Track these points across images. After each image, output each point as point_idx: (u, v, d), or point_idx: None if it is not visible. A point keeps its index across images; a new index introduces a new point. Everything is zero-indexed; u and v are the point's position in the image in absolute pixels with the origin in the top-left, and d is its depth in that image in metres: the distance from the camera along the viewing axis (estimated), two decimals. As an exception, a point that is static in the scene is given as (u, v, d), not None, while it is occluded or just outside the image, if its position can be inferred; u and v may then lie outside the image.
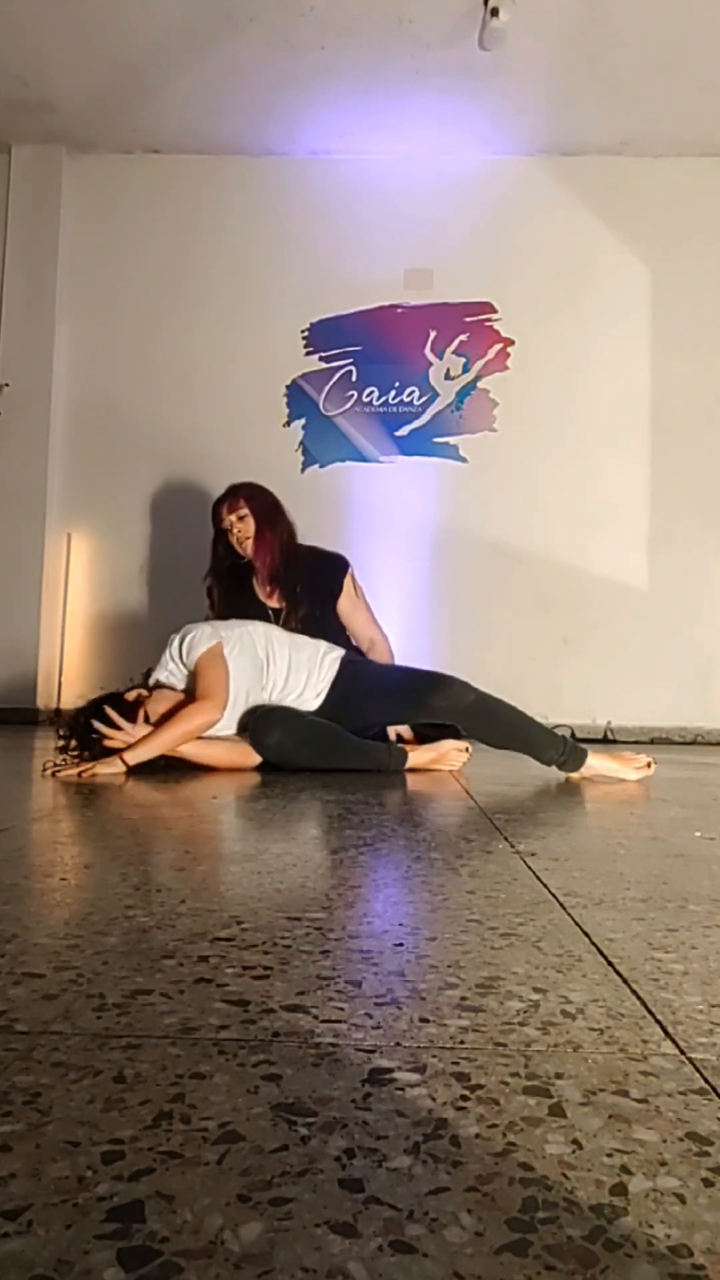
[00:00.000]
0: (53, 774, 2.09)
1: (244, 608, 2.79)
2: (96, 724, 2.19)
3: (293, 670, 2.42)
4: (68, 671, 4.22)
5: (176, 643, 2.37)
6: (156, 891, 1.01)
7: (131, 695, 2.32)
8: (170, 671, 2.36)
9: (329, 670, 2.45)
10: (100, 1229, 0.39)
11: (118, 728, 2.19)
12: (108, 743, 2.18)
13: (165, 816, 1.63)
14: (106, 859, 1.22)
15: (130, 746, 2.17)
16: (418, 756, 2.40)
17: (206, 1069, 0.55)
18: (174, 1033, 0.61)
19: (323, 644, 2.53)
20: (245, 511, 2.79)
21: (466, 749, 2.45)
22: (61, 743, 2.25)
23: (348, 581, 2.86)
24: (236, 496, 2.83)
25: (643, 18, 3.42)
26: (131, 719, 2.23)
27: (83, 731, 2.22)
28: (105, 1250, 0.38)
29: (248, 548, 2.79)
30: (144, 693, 2.35)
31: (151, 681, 2.39)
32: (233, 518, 2.80)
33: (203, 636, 2.34)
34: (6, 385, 4.22)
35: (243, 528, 2.79)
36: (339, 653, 2.52)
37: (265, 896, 1.00)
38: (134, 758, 2.15)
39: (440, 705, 2.36)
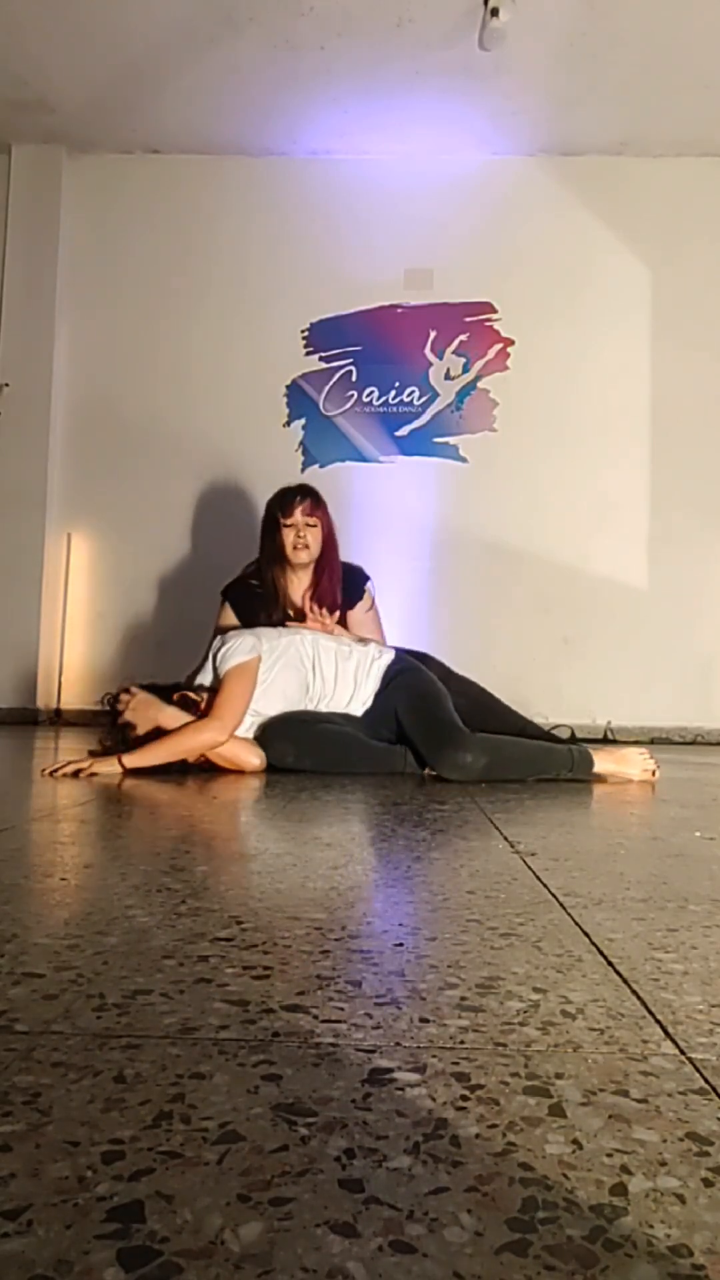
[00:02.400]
0: (51, 773, 2.09)
1: (267, 607, 2.68)
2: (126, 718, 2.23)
3: (339, 680, 2.41)
4: (68, 671, 4.22)
5: (217, 646, 2.35)
6: (156, 891, 1.01)
7: (180, 694, 2.32)
8: (210, 676, 2.38)
9: (375, 679, 2.43)
10: (100, 1229, 0.39)
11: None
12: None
13: (165, 816, 1.63)
14: (106, 859, 1.22)
15: (131, 752, 2.17)
16: None
17: (206, 1069, 0.55)
18: (174, 1033, 0.61)
19: (371, 649, 2.49)
20: (316, 522, 2.67)
21: None
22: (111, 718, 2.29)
23: (366, 593, 2.79)
24: (319, 502, 2.70)
25: (643, 18, 3.41)
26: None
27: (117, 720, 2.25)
28: (105, 1250, 0.38)
29: (303, 556, 2.65)
30: (191, 695, 2.32)
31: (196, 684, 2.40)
32: (305, 519, 2.66)
33: (242, 648, 2.29)
34: (6, 385, 4.22)
35: (311, 535, 2.66)
36: (386, 660, 2.47)
37: (265, 896, 1.00)
38: (132, 762, 2.14)
39: (448, 773, 2.26)
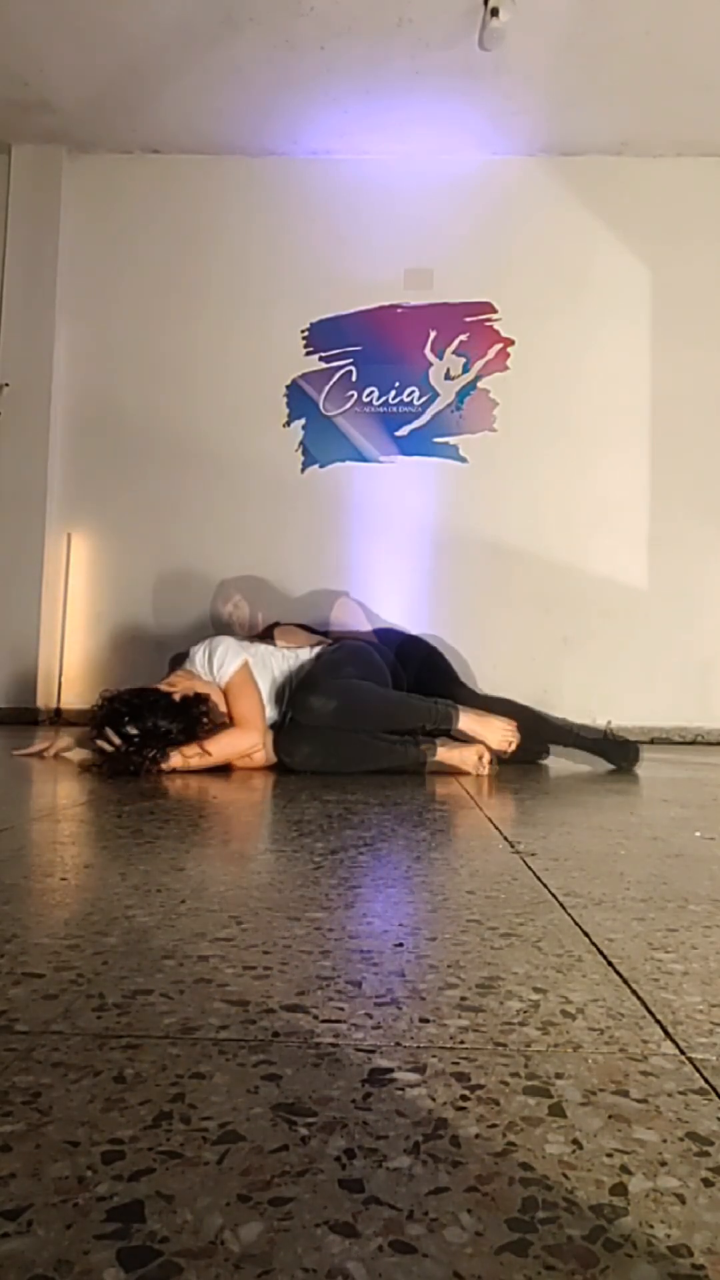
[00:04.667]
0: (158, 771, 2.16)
1: None
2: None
3: (294, 676, 2.53)
4: (68, 671, 4.22)
5: (203, 653, 2.42)
6: (156, 891, 1.01)
7: (178, 696, 2.31)
8: (198, 673, 2.43)
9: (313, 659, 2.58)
10: (100, 1229, 0.39)
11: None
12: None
13: (165, 817, 1.62)
14: (106, 859, 1.22)
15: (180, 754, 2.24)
16: (444, 755, 2.41)
17: (206, 1069, 0.55)
18: (174, 1033, 0.61)
19: (306, 650, 2.61)
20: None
21: (481, 756, 2.46)
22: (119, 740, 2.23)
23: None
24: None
25: (643, 18, 3.41)
26: (192, 718, 2.26)
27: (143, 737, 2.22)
28: (105, 1250, 0.38)
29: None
30: (189, 693, 2.33)
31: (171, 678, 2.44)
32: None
33: (230, 653, 2.40)
34: (6, 385, 4.21)
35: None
36: (319, 648, 2.61)
37: (265, 896, 1.00)
38: (196, 763, 2.23)
39: (299, 715, 2.36)
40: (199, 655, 2.43)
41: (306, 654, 2.59)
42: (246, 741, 2.33)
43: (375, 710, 2.39)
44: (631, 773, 2.61)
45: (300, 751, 2.33)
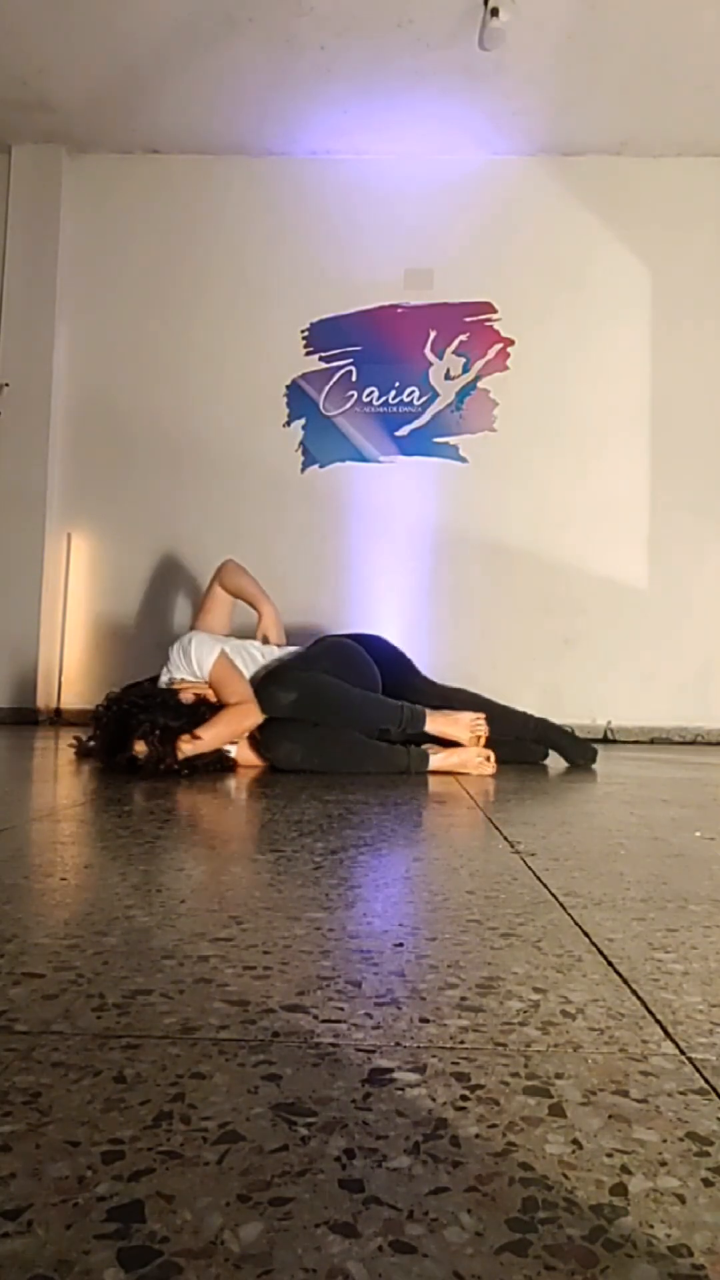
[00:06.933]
0: (176, 766, 2.17)
1: None
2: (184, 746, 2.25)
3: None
4: (68, 671, 4.22)
5: (177, 652, 2.45)
6: (156, 891, 1.01)
7: (188, 696, 2.33)
8: (184, 673, 2.44)
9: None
10: (100, 1229, 0.39)
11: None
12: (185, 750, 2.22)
13: (164, 817, 1.62)
14: (106, 859, 1.22)
15: (190, 739, 2.24)
16: (442, 760, 2.42)
17: (206, 1069, 0.55)
18: (174, 1033, 0.61)
19: (289, 649, 2.65)
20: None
21: (489, 757, 2.47)
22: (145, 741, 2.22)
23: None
24: None
25: (643, 18, 3.41)
26: (200, 716, 2.28)
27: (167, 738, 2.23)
28: (105, 1250, 0.38)
29: None
30: (196, 693, 2.37)
31: (165, 681, 2.44)
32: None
33: (205, 647, 2.43)
34: (6, 385, 4.21)
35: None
36: (291, 650, 2.63)
37: (265, 896, 1.00)
38: (192, 749, 2.23)
39: (265, 707, 2.36)
40: (175, 655, 2.44)
41: (286, 652, 2.61)
42: (249, 718, 2.33)
43: (337, 707, 2.38)
44: (589, 770, 2.66)
45: (281, 748, 2.33)
